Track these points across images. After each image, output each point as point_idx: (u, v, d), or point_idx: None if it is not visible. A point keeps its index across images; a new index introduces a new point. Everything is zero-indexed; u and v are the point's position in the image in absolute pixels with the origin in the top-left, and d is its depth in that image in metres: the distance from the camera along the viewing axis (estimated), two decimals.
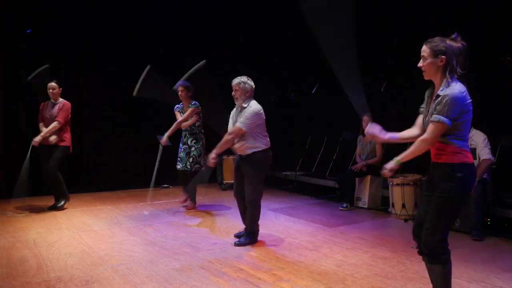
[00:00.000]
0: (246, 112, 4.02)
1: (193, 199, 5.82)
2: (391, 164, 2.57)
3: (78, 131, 5.78)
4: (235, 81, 4.11)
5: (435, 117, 2.34)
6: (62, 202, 5.54)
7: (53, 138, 5.37)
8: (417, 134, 2.56)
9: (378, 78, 6.02)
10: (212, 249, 3.98)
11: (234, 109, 4.26)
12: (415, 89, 5.60)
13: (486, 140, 4.54)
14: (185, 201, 5.86)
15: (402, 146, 6.05)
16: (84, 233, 4.50)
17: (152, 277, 3.25)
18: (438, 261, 2.45)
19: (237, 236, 4.30)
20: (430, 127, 2.38)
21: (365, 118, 6.00)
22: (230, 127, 4.19)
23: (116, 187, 7.41)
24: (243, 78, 4.12)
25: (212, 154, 4.04)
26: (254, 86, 4.15)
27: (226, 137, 4.04)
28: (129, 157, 7.82)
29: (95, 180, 7.39)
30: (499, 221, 4.62)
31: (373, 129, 2.59)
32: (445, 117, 2.31)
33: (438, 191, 2.43)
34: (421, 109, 2.60)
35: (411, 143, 2.53)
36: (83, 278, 3.22)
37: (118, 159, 7.69)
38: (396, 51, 6.19)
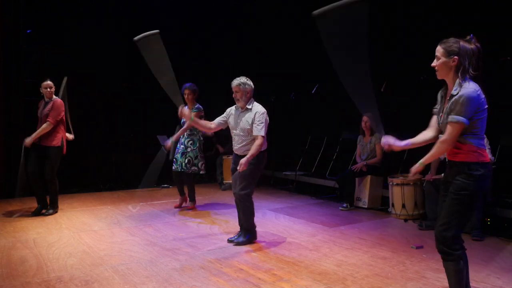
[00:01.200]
0: (258, 118, 4.00)
1: (192, 199, 5.82)
2: (416, 167, 2.60)
3: (78, 130, 5.75)
4: (235, 82, 4.10)
5: (453, 117, 2.36)
6: (51, 211, 5.32)
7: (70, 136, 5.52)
8: (432, 136, 2.59)
9: (378, 78, 6.01)
10: (212, 249, 3.98)
11: (234, 108, 4.25)
12: (415, 89, 5.62)
13: (486, 139, 4.54)
14: (180, 205, 5.86)
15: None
16: (84, 233, 4.50)
17: (152, 277, 3.25)
18: (451, 258, 2.46)
19: (230, 241, 4.20)
20: (449, 128, 2.39)
21: (365, 118, 6.00)
22: (232, 126, 4.19)
23: (116, 187, 7.41)
24: (243, 79, 4.11)
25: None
26: (253, 86, 4.15)
27: (257, 147, 3.95)
28: (129, 157, 7.82)
29: (95, 180, 7.39)
30: (499, 221, 4.62)
31: (387, 140, 2.62)
32: (463, 116, 2.33)
33: (454, 188, 2.44)
34: (435, 110, 2.61)
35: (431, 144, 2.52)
36: (83, 278, 3.22)
37: (118, 159, 7.70)
38: (396, 52, 6.19)
